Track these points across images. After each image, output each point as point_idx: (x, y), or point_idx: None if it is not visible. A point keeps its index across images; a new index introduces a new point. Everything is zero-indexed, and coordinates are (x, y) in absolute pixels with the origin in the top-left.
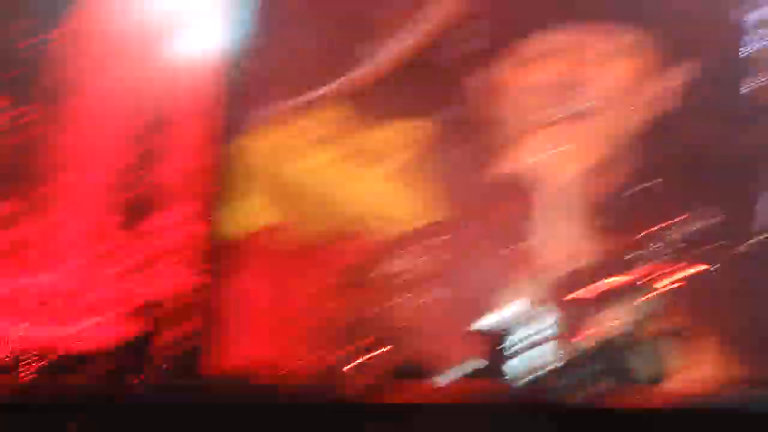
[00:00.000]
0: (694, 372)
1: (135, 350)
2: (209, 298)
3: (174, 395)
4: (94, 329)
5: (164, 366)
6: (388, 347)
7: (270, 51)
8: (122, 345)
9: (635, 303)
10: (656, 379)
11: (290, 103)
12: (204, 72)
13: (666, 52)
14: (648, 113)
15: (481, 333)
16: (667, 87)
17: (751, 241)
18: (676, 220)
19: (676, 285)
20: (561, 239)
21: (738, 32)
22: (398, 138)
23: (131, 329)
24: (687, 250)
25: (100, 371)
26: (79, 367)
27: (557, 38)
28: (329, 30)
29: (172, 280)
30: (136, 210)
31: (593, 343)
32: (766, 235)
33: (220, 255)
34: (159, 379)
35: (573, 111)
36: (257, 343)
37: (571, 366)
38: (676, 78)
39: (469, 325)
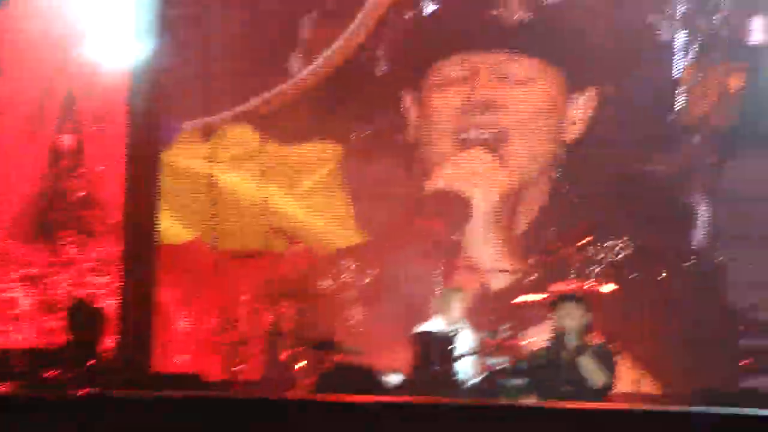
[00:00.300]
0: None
1: (58, 356)
2: (136, 307)
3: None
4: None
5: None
6: (331, 352)
7: (187, 67)
8: (44, 349)
9: (558, 317)
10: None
11: (208, 119)
12: (121, 87)
13: (583, 77)
14: (565, 136)
15: (421, 337)
16: (584, 111)
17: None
18: (586, 240)
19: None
20: (483, 255)
21: (655, 56)
22: (316, 156)
23: (55, 336)
24: (604, 269)
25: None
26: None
27: (473, 63)
28: (247, 47)
29: (95, 289)
30: (55, 222)
31: (526, 352)
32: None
33: (144, 265)
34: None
35: (491, 134)
36: (186, 350)
37: (509, 371)
38: (593, 102)
39: (409, 331)
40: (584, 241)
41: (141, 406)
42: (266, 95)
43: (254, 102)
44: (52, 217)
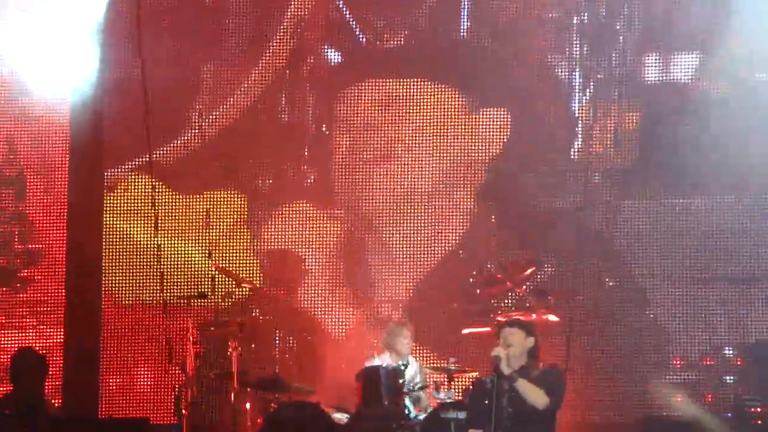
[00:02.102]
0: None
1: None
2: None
3: None
4: None
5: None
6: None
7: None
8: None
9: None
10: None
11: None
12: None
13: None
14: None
15: (370, 373)
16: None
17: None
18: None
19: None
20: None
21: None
22: (221, 206)
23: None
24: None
25: None
26: None
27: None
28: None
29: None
30: None
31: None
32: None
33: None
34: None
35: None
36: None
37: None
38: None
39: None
40: (530, 272)
41: None
42: (168, 146)
43: (156, 153)
44: None
